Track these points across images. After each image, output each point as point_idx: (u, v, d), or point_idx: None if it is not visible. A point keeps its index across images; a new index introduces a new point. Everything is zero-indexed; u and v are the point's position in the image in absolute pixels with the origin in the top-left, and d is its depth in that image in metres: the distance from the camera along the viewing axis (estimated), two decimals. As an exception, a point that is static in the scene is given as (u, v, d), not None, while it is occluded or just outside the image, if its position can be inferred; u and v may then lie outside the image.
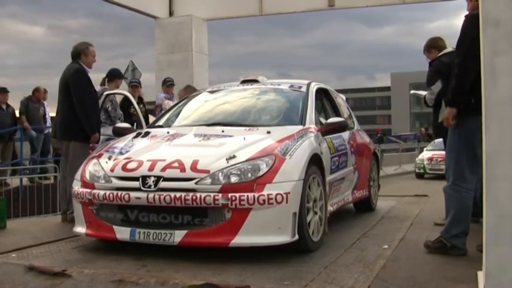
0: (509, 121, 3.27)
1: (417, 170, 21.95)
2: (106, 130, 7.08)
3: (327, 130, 5.67)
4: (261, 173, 4.42)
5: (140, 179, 4.53)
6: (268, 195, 4.30)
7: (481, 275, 3.56)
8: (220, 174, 4.42)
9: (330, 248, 4.90)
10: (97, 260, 4.51)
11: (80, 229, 4.94)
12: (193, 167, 4.49)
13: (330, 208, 5.51)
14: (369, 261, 4.42)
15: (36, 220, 8.73)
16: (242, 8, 12.47)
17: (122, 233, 4.58)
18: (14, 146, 12.22)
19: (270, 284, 3.75)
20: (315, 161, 4.94)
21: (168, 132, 5.51)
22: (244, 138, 4.98)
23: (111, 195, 4.59)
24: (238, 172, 4.43)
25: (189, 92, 7.74)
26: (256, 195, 4.29)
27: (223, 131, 5.31)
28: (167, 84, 10.07)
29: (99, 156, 5.12)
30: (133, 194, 4.50)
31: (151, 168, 4.57)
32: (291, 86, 6.39)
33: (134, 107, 7.99)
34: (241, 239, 4.30)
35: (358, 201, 7.05)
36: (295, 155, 4.67)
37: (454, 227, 4.64)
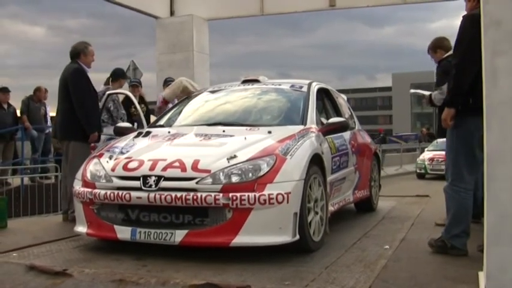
0: (510, 121, 3.27)
1: (418, 171, 21.93)
2: (108, 130, 7.09)
3: (328, 130, 5.67)
4: (261, 173, 4.42)
5: (141, 178, 4.53)
6: (269, 195, 4.30)
7: (482, 276, 3.56)
8: (221, 174, 4.42)
9: (331, 248, 4.89)
10: (98, 260, 4.51)
11: (81, 229, 4.94)
12: (194, 166, 4.49)
13: (331, 208, 5.51)
14: (369, 262, 4.42)
15: (37, 219, 8.74)
16: (243, 8, 12.47)
17: (123, 232, 4.58)
18: (15, 145, 12.24)
19: (271, 284, 3.75)
20: (316, 161, 4.94)
21: (169, 132, 5.51)
22: (245, 138, 4.98)
23: (112, 194, 4.59)
24: (239, 172, 4.43)
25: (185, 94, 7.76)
26: (257, 195, 4.29)
27: (224, 131, 5.31)
28: (168, 84, 10.06)
29: (100, 155, 5.12)
30: (134, 194, 4.50)
31: (152, 168, 4.57)
32: (292, 86, 6.39)
33: (135, 107, 7.99)
34: (242, 239, 4.30)
35: (359, 202, 7.05)
36: (296, 155, 4.67)
37: (453, 227, 4.64)
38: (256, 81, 6.63)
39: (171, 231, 4.41)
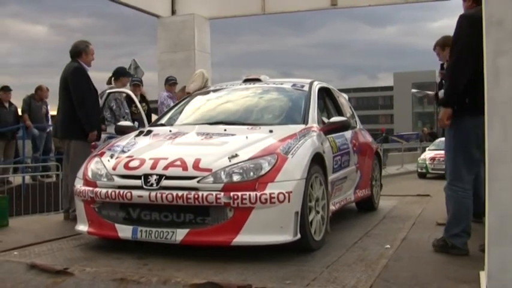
0: (511, 121, 3.26)
1: (419, 170, 21.93)
2: (111, 128, 7.10)
3: (329, 129, 5.66)
4: (263, 172, 4.41)
5: (142, 177, 4.53)
6: (270, 194, 4.30)
7: (483, 275, 3.56)
8: (222, 173, 4.42)
9: (332, 247, 4.89)
10: (99, 259, 4.50)
11: (82, 227, 4.94)
12: (196, 165, 4.49)
13: (332, 207, 5.50)
14: (371, 261, 4.41)
15: (38, 218, 8.75)
16: (245, 7, 12.46)
17: (124, 231, 4.58)
18: (16, 144, 12.25)
19: (272, 283, 3.75)
20: (317, 160, 4.94)
21: (170, 131, 5.51)
22: (247, 137, 4.98)
23: (113, 193, 4.59)
24: (241, 171, 4.43)
25: (186, 93, 7.79)
26: (259, 194, 4.28)
27: (225, 130, 5.31)
28: (170, 83, 10.10)
29: (102, 154, 5.12)
30: (135, 193, 4.50)
31: (153, 167, 4.57)
32: (294, 85, 6.39)
33: (136, 106, 7.99)
34: (243, 238, 4.30)
35: (360, 201, 7.05)
36: (297, 154, 4.66)
37: (453, 226, 4.64)
38: (258, 80, 6.63)
39: (172, 230, 4.41)
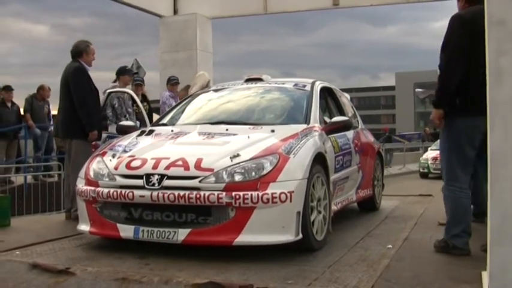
0: (513, 121, 3.26)
1: (421, 170, 21.93)
2: (112, 128, 7.11)
3: (331, 129, 5.66)
4: (265, 172, 4.41)
5: (144, 177, 4.53)
6: (272, 194, 4.29)
7: (485, 275, 3.55)
8: (224, 172, 4.41)
9: (334, 247, 4.89)
10: (100, 258, 4.51)
11: (84, 227, 4.94)
12: (197, 165, 4.49)
13: (334, 207, 5.50)
14: (372, 261, 4.41)
15: (40, 218, 8.76)
16: (246, 6, 12.45)
17: (126, 231, 4.58)
18: (18, 143, 12.25)
19: (274, 283, 3.75)
20: (319, 160, 4.94)
21: (172, 131, 5.51)
22: (249, 137, 4.97)
23: (115, 193, 4.60)
24: (242, 171, 4.43)
25: (190, 92, 7.86)
26: (260, 194, 4.28)
27: (227, 130, 5.30)
28: (172, 83, 10.10)
29: (103, 154, 5.12)
30: (137, 192, 4.50)
31: (155, 167, 4.57)
32: (295, 85, 6.39)
33: (138, 105, 8.00)
34: (245, 238, 4.30)
35: (362, 201, 7.04)
36: (299, 153, 4.66)
37: (453, 226, 4.63)
38: (260, 80, 6.63)
39: (174, 229, 4.41)
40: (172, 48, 12.34)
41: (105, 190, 4.67)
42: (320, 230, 4.84)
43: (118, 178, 4.70)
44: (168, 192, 4.39)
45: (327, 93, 6.75)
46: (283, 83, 6.55)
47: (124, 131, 5.97)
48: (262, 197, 4.27)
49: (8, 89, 11.99)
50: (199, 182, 4.39)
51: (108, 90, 7.70)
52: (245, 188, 4.32)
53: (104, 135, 6.95)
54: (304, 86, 6.31)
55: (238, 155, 4.55)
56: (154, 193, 4.42)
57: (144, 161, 4.68)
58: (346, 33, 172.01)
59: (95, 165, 4.99)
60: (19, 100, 12.55)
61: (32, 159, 12.65)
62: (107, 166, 4.86)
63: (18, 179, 11.36)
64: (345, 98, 7.51)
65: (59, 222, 6.65)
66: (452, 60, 4.50)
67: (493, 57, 3.33)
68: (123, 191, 4.56)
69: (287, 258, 4.39)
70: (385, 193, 8.28)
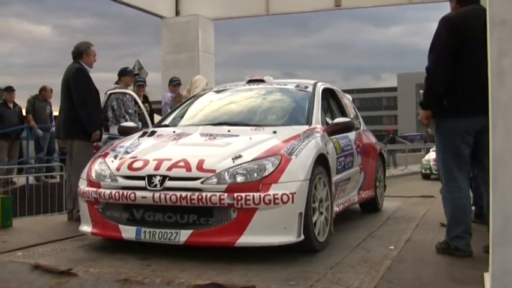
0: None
1: (423, 171, 21.94)
2: (114, 129, 7.12)
3: (333, 130, 5.66)
4: (266, 173, 4.41)
5: (146, 178, 4.53)
6: (274, 195, 4.29)
7: (487, 277, 3.54)
8: (226, 173, 4.41)
9: (336, 248, 4.89)
10: (102, 259, 4.51)
11: (86, 228, 4.94)
12: (199, 166, 4.49)
13: (336, 208, 5.50)
14: (374, 262, 4.41)
15: (42, 219, 8.76)
16: (249, 7, 12.48)
17: (128, 232, 4.58)
18: (21, 144, 12.26)
19: (276, 284, 3.75)
20: (321, 161, 4.93)
21: (174, 132, 5.51)
22: (250, 138, 4.97)
23: (117, 194, 4.60)
24: (244, 172, 4.43)
25: (178, 101, 8.09)
26: (262, 195, 4.28)
27: (229, 131, 5.30)
28: (174, 84, 10.10)
29: (105, 155, 5.12)
30: (139, 193, 4.50)
31: (157, 168, 4.57)
32: (297, 86, 6.39)
33: (139, 106, 8.01)
34: (246, 239, 4.30)
35: (364, 202, 7.04)
36: (301, 155, 4.66)
37: (453, 228, 4.62)
38: (262, 81, 6.63)
39: (176, 231, 4.40)
40: (174, 49, 12.37)
41: (107, 191, 4.67)
42: (322, 231, 4.84)
43: (120, 179, 4.70)
44: (170, 193, 4.39)
45: (329, 95, 6.75)
46: (285, 84, 6.55)
47: (126, 132, 5.97)
48: (264, 198, 4.27)
49: (9, 89, 11.99)
50: (201, 183, 4.39)
51: (109, 91, 7.71)
52: (247, 189, 4.32)
53: (105, 136, 6.96)
54: (306, 87, 6.31)
55: (240, 156, 4.55)
56: (156, 194, 4.42)
57: (146, 162, 4.68)
58: (348, 34, 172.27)
59: (97, 166, 4.99)
60: (21, 101, 12.58)
61: (34, 160, 12.65)
62: (108, 167, 4.86)
63: (20, 180, 11.37)
64: (347, 99, 7.51)
65: (61, 223, 6.65)
66: (439, 61, 4.52)
67: (495, 57, 3.32)
68: (125, 192, 4.56)
69: (289, 260, 4.38)
70: (387, 194, 8.27)
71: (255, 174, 4.41)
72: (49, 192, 10.80)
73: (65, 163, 7.81)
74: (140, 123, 7.55)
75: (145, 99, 9.24)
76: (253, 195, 4.27)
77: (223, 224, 4.34)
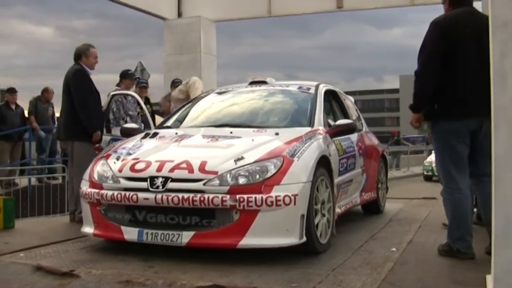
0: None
1: (425, 173, 21.95)
2: (116, 131, 7.13)
3: (335, 132, 5.66)
4: (269, 175, 4.41)
5: (148, 179, 4.54)
6: (276, 196, 4.29)
7: (489, 279, 3.54)
8: (228, 175, 4.41)
9: (338, 250, 4.88)
10: (105, 261, 4.51)
11: (88, 229, 4.95)
12: (202, 168, 4.49)
13: (338, 210, 5.49)
14: (376, 264, 4.40)
15: (44, 220, 8.75)
16: (251, 9, 12.48)
17: (130, 233, 4.58)
18: (23, 146, 12.28)
19: (278, 286, 3.75)
20: (323, 163, 4.93)
21: (176, 133, 5.51)
22: (253, 140, 4.98)
23: (119, 195, 4.60)
24: (246, 173, 4.43)
25: (168, 100, 8.16)
26: (264, 196, 4.28)
27: (231, 132, 5.30)
28: (176, 85, 10.09)
29: (107, 156, 5.13)
30: (141, 195, 4.50)
31: (159, 169, 4.58)
32: (300, 88, 6.39)
33: (142, 108, 8.02)
34: (249, 241, 4.30)
35: (366, 204, 7.04)
36: (303, 156, 4.66)
37: (454, 229, 4.62)
38: (264, 82, 6.63)
39: (178, 232, 4.41)
40: (177, 51, 12.38)
41: (109, 192, 4.68)
42: (324, 233, 4.84)
43: (122, 180, 4.71)
44: (172, 194, 4.39)
45: (331, 96, 6.75)
46: (287, 86, 6.55)
47: (128, 133, 5.97)
48: (266, 200, 4.27)
49: (11, 91, 12.02)
50: (204, 184, 4.39)
51: (112, 93, 7.73)
52: (249, 190, 4.32)
53: (108, 138, 6.97)
54: (309, 88, 6.31)
55: (242, 158, 4.55)
56: (159, 196, 4.42)
57: (148, 164, 4.69)
58: (350, 36, 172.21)
59: (99, 168, 5.00)
60: (23, 102, 12.60)
61: (36, 161, 12.67)
62: (111, 168, 4.87)
63: (22, 181, 11.39)
64: (349, 101, 7.51)
65: (63, 225, 6.66)
66: (428, 64, 4.53)
67: (497, 59, 3.32)
68: (127, 193, 4.56)
69: (291, 261, 4.38)
70: (389, 196, 8.28)
71: (257, 176, 4.41)
72: (51, 193, 10.83)
73: (67, 164, 7.82)
74: (142, 125, 7.56)
75: (146, 101, 9.25)
76: (256, 197, 4.27)
77: (225, 226, 4.34)
